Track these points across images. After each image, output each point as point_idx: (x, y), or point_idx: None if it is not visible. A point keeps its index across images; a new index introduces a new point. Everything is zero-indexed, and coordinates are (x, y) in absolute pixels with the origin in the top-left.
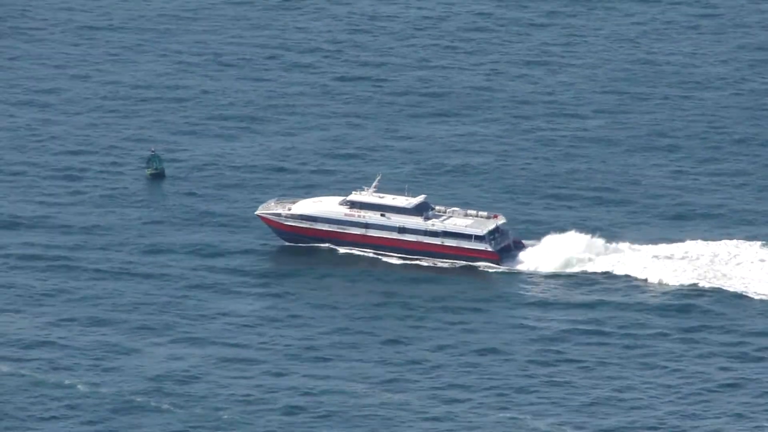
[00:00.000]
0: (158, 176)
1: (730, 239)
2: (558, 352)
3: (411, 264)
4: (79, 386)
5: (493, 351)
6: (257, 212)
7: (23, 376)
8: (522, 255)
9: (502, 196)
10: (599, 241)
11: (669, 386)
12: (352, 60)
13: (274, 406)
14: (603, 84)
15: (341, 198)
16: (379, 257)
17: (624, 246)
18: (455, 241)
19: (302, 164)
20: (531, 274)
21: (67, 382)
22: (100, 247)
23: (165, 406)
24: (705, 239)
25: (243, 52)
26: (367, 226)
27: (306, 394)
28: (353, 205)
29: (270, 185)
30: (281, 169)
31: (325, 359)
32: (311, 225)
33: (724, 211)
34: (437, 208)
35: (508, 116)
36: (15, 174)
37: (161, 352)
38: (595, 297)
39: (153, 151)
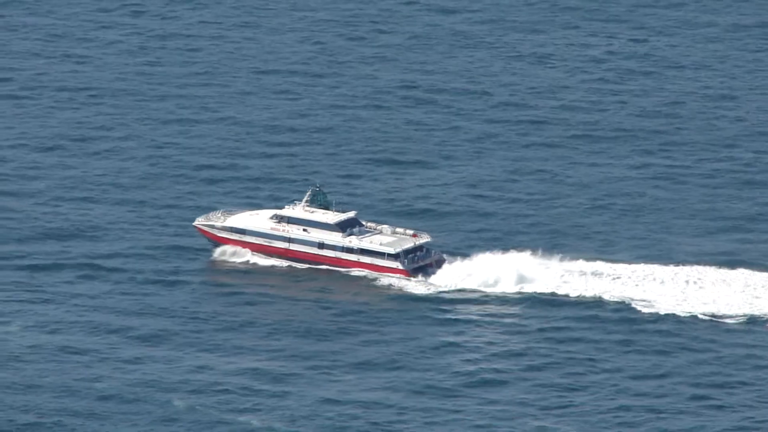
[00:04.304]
0: None
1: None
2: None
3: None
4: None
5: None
6: (195, 223)
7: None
8: (437, 273)
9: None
10: (501, 258)
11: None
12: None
13: None
14: None
15: (274, 212)
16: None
17: (527, 263)
18: (370, 258)
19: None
20: (440, 291)
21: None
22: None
23: None
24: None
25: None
26: (290, 240)
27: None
28: (281, 219)
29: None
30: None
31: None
32: (240, 237)
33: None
34: (368, 224)
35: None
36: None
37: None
38: (500, 314)
39: (318, 188)
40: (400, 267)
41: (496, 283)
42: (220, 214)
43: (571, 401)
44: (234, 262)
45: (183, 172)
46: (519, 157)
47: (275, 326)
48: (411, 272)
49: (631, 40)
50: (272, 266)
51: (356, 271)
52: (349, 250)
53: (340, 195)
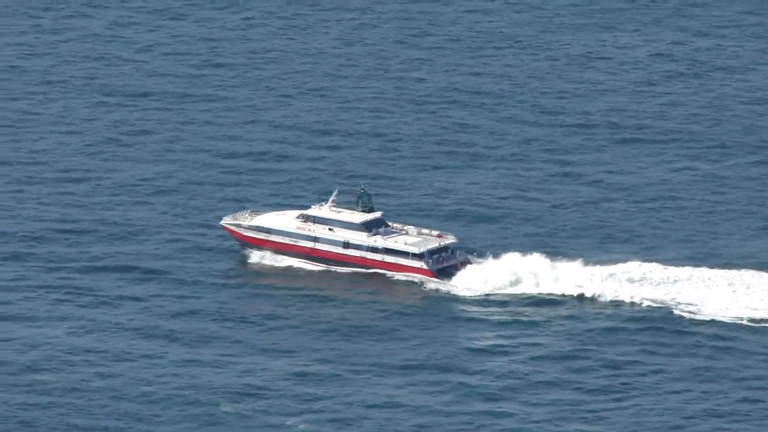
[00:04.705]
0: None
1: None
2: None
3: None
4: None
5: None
6: (222, 222)
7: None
8: (460, 274)
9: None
10: (544, 262)
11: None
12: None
13: None
14: None
15: (300, 212)
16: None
17: (571, 266)
18: (394, 257)
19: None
20: (463, 292)
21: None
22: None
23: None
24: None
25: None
26: (315, 239)
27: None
28: (307, 219)
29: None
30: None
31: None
32: (266, 236)
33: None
34: (394, 225)
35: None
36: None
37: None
38: (525, 316)
39: (363, 189)
40: (425, 267)
41: (542, 285)
42: (247, 214)
43: (618, 405)
44: (279, 266)
45: (229, 174)
46: (566, 160)
47: (322, 328)
48: (435, 273)
49: (678, 41)
50: (317, 269)
51: (400, 275)
52: (374, 250)
53: (386, 197)
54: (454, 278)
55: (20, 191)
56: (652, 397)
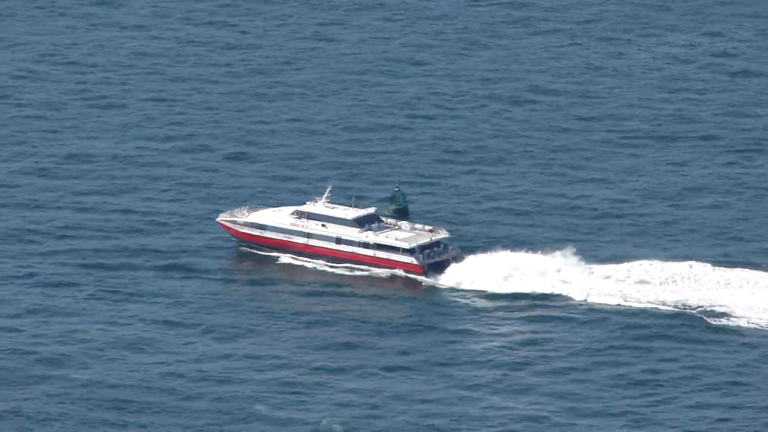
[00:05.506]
0: (402, 213)
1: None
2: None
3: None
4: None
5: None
6: (218, 219)
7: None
8: (450, 270)
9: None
10: (529, 260)
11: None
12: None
13: None
14: None
15: (294, 208)
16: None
17: (556, 264)
18: (385, 253)
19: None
20: (452, 290)
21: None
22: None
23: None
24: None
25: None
26: (309, 235)
27: None
28: (301, 215)
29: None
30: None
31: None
32: (261, 233)
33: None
34: (388, 220)
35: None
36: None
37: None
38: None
39: (397, 188)
40: (415, 262)
41: (572, 283)
42: (245, 211)
43: (651, 400)
44: (308, 264)
45: (262, 173)
46: (600, 164)
47: (354, 324)
48: (426, 267)
49: (713, 44)
50: (345, 267)
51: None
52: (366, 245)
53: (420, 195)
54: (445, 273)
55: (60, 191)
56: (687, 395)
